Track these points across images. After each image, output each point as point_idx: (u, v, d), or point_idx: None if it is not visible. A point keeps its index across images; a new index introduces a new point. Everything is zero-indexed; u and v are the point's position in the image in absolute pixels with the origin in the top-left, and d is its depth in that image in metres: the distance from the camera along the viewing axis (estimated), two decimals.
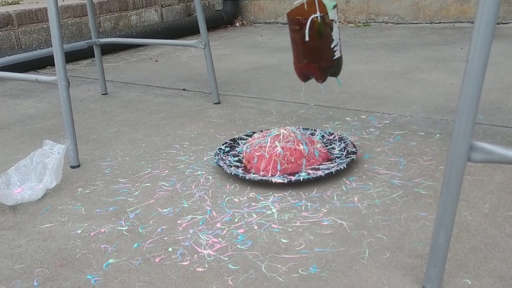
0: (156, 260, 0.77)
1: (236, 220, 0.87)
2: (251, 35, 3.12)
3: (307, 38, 0.93)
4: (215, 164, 1.10)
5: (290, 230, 0.83)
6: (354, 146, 1.10)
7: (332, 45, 0.96)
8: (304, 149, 1.03)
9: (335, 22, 0.95)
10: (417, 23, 3.06)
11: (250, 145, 1.08)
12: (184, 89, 1.83)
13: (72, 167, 1.15)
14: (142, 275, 0.73)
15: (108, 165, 1.15)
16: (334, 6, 0.94)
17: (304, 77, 1.03)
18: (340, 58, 1.00)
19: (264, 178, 0.99)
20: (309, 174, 0.99)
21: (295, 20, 0.95)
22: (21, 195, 0.98)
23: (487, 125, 1.25)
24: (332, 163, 1.04)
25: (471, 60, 0.56)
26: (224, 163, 1.07)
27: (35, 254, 0.81)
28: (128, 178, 1.08)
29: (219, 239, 0.82)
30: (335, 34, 0.96)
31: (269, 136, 1.06)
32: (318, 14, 0.92)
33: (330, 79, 1.04)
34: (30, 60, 1.99)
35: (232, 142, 1.19)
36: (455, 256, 0.73)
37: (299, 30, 0.94)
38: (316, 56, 0.97)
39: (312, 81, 1.05)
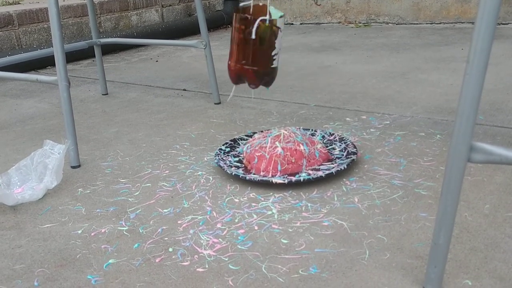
0: (157, 261, 0.77)
1: (236, 220, 0.87)
2: None
3: (253, 36, 0.90)
4: (216, 165, 1.10)
5: (290, 230, 0.83)
6: (355, 147, 1.10)
7: (273, 53, 0.94)
8: (304, 149, 1.03)
9: (280, 31, 0.93)
10: (417, 24, 3.06)
11: (251, 145, 1.08)
12: (184, 89, 1.83)
13: (73, 167, 1.15)
14: (143, 275, 0.73)
15: (108, 165, 1.15)
16: (281, 16, 0.93)
17: (237, 79, 0.98)
18: (275, 69, 0.97)
19: (264, 178, 0.99)
20: (309, 174, 0.99)
21: (243, 18, 0.91)
22: (21, 195, 0.99)
23: (487, 126, 1.25)
24: (332, 164, 1.04)
25: (471, 60, 0.56)
26: (225, 163, 1.07)
27: (35, 254, 0.81)
28: (129, 178, 1.08)
29: (220, 239, 0.82)
30: (278, 43, 0.93)
31: (269, 136, 1.06)
32: (267, 17, 0.91)
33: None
34: (31, 60, 1.99)
35: (232, 143, 1.19)
36: (455, 257, 0.73)
37: (244, 30, 0.91)
38: (255, 60, 0.93)
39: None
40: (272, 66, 0.96)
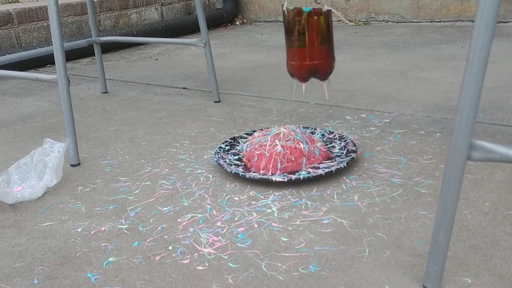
0: (156, 259, 0.77)
1: (236, 218, 0.87)
2: (252, 33, 3.12)
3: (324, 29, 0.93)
4: (215, 163, 1.10)
5: (290, 228, 0.83)
6: (354, 145, 1.10)
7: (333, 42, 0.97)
8: (304, 147, 1.03)
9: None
10: (417, 22, 3.06)
11: (250, 143, 1.08)
12: (184, 88, 1.83)
13: (73, 165, 1.15)
14: (142, 274, 0.73)
15: (108, 164, 1.15)
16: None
17: (308, 77, 1.00)
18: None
19: (264, 176, 0.99)
20: (309, 172, 0.99)
21: (312, 12, 0.92)
22: (21, 194, 0.99)
23: (487, 124, 1.25)
24: (332, 162, 1.04)
25: (471, 58, 0.56)
26: (224, 161, 1.07)
27: (35, 252, 0.81)
28: (128, 176, 1.08)
29: (219, 237, 0.82)
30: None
31: (269, 134, 1.06)
32: (325, 7, 0.93)
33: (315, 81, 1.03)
34: (30, 59, 1.99)
35: (232, 141, 1.19)
36: (455, 255, 0.73)
37: (308, 25, 0.93)
38: (327, 52, 0.97)
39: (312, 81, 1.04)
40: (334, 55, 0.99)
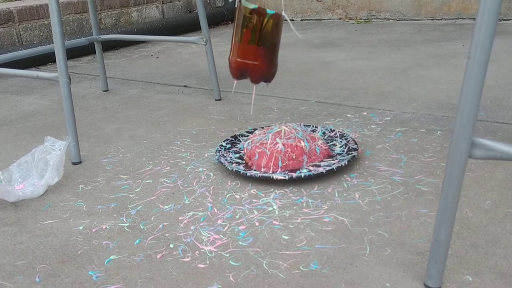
0: (158, 257, 0.77)
1: (237, 216, 0.88)
2: None
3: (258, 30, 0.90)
4: (216, 161, 1.10)
5: (291, 226, 0.83)
6: (355, 143, 1.10)
7: (277, 48, 0.96)
8: (305, 146, 1.03)
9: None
10: (418, 20, 3.05)
11: (251, 141, 1.08)
12: (185, 86, 1.83)
13: (74, 163, 1.15)
14: (144, 271, 0.73)
15: (109, 162, 1.16)
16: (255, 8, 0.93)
17: (240, 75, 0.96)
18: (277, 65, 0.99)
19: (265, 174, 0.99)
20: (310, 170, 0.99)
21: (248, 13, 0.90)
22: (22, 192, 0.99)
23: (488, 122, 1.25)
24: (333, 160, 1.04)
25: (472, 56, 0.56)
26: (225, 159, 1.07)
27: (37, 250, 0.81)
28: (130, 174, 1.08)
29: (220, 235, 0.82)
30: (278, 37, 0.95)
31: (270, 133, 1.06)
32: (273, 11, 0.91)
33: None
34: (32, 57, 1.99)
35: (233, 139, 1.19)
36: (456, 253, 0.73)
37: (248, 25, 0.90)
38: (258, 55, 0.93)
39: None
40: (275, 62, 0.96)
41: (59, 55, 1.13)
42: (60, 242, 0.83)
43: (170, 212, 0.91)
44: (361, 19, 3.24)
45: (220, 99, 1.61)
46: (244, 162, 1.07)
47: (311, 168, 1.01)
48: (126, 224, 0.87)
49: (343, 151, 1.08)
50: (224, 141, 1.17)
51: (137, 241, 0.82)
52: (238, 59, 0.94)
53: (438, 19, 2.99)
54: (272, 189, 0.97)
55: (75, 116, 1.17)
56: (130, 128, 1.39)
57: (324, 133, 1.19)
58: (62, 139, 1.06)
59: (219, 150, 1.12)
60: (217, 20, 3.45)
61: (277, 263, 0.73)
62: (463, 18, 2.92)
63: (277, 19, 0.92)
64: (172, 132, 1.33)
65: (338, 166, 1.00)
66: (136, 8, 3.06)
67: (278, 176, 0.97)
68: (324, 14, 3.39)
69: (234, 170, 1.01)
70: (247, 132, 1.22)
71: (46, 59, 2.37)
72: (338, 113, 1.40)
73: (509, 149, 0.57)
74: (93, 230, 0.86)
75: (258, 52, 0.92)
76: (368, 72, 1.85)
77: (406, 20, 3.09)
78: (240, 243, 0.79)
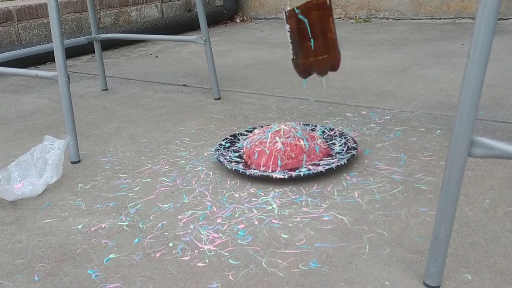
0: (157, 255, 0.77)
1: (236, 215, 0.87)
2: (252, 31, 3.11)
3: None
4: (216, 160, 1.10)
5: (290, 225, 0.83)
6: (355, 142, 1.10)
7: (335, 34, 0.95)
8: (304, 144, 1.03)
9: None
10: (418, 19, 3.05)
11: (251, 140, 1.08)
12: (184, 85, 1.83)
13: (73, 162, 1.15)
14: (143, 270, 0.73)
15: (108, 161, 1.15)
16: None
17: (307, 73, 0.98)
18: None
19: (264, 173, 0.99)
20: (309, 169, 0.99)
21: (317, 5, 0.89)
22: (21, 191, 0.99)
23: (487, 121, 1.25)
24: (332, 159, 1.04)
25: (472, 55, 0.56)
26: (225, 158, 1.07)
27: (35, 249, 0.81)
28: (129, 173, 1.08)
29: (220, 234, 0.82)
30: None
31: (269, 131, 1.06)
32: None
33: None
34: (30, 56, 1.99)
35: (232, 138, 1.19)
36: (455, 252, 0.73)
37: (321, 14, 0.90)
38: (325, 48, 0.93)
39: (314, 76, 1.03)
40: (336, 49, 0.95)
41: (58, 54, 1.12)
42: (59, 241, 0.83)
43: (169, 211, 0.91)
44: (360, 18, 3.24)
45: (219, 98, 1.61)
46: (243, 161, 1.07)
47: (310, 167, 1.01)
48: (125, 223, 0.87)
49: (343, 150, 1.08)
50: (223, 140, 1.17)
51: (136, 240, 0.82)
52: (302, 60, 0.93)
53: (437, 19, 2.99)
54: (271, 188, 0.97)
55: (74, 115, 1.17)
56: (129, 127, 1.39)
57: (323, 132, 1.19)
58: (61, 138, 1.06)
59: (219, 149, 1.12)
60: (216, 19, 3.45)
61: (276, 262, 0.73)
62: (463, 17, 2.92)
63: (310, 12, 0.90)
64: (171, 131, 1.33)
65: (338, 165, 1.00)
66: (135, 7, 3.05)
67: (278, 175, 0.97)
68: None
69: (233, 169, 1.01)
70: (246, 131, 1.22)
71: (45, 58, 2.37)
72: (337, 112, 1.40)
73: (509, 148, 0.57)
74: (92, 229, 0.86)
75: (310, 49, 0.92)
76: (368, 71, 1.85)
77: (406, 19, 3.09)
78: (240, 241, 0.79)
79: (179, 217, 0.88)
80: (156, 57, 2.43)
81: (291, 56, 0.96)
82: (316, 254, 0.75)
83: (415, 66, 1.89)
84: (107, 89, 1.83)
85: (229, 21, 3.56)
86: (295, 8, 0.90)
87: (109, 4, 2.89)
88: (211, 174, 1.05)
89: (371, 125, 1.28)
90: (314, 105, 1.47)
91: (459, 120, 0.58)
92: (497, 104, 1.37)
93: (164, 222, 0.87)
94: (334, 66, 0.97)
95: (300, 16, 0.90)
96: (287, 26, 0.93)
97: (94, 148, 1.24)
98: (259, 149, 1.03)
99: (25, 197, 0.98)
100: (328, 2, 0.91)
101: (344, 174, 1.01)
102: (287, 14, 0.92)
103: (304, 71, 0.96)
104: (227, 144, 1.15)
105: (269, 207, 0.89)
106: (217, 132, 1.29)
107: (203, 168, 1.08)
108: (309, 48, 0.92)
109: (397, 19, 3.12)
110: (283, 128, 1.05)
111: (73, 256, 0.78)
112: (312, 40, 0.92)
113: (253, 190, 0.97)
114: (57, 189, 1.02)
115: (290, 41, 0.94)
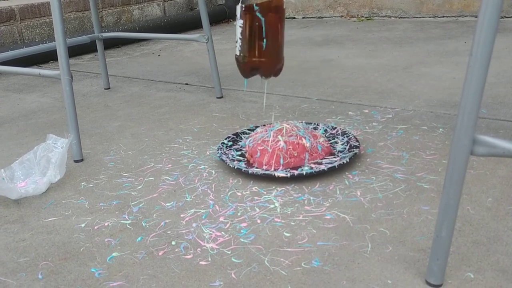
0: (160, 254, 0.77)
1: (239, 214, 0.88)
2: None
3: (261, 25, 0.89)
4: (218, 158, 1.10)
5: (293, 224, 0.83)
6: (357, 141, 1.10)
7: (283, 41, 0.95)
8: (307, 143, 1.03)
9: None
10: (420, 17, 3.05)
11: (253, 139, 1.08)
12: (186, 84, 1.83)
13: (76, 161, 1.15)
14: (146, 268, 0.74)
15: (111, 159, 1.16)
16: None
17: (250, 73, 0.98)
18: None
19: (267, 172, 0.99)
20: (312, 168, 1.00)
21: (276, 7, 0.89)
22: (25, 189, 0.99)
23: (490, 119, 1.25)
24: (335, 157, 1.04)
25: (474, 54, 0.56)
26: (227, 157, 1.07)
27: (39, 248, 0.81)
28: (131, 172, 1.08)
29: (222, 232, 0.82)
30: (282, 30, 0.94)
31: (271, 130, 1.06)
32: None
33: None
34: (33, 55, 1.99)
35: (235, 137, 1.19)
36: (457, 250, 0.73)
37: (278, 17, 0.89)
38: (270, 51, 0.93)
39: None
40: (282, 54, 0.95)
41: (61, 53, 1.13)
42: (63, 239, 0.83)
43: (172, 209, 0.91)
44: (362, 16, 3.24)
45: (221, 97, 1.61)
46: (245, 159, 1.07)
47: (312, 165, 1.01)
48: (128, 222, 0.88)
49: (345, 148, 1.08)
50: (225, 139, 1.17)
51: (139, 238, 0.82)
52: (246, 59, 0.94)
53: (440, 17, 2.99)
54: (273, 187, 0.97)
55: (77, 114, 1.17)
56: (131, 125, 1.39)
57: (325, 130, 1.19)
58: (64, 137, 1.07)
59: (221, 148, 1.12)
60: (218, 17, 3.45)
61: (278, 260, 0.73)
62: (465, 16, 2.91)
63: (269, 13, 0.90)
64: (173, 129, 1.33)
65: (340, 164, 1.00)
66: (137, 6, 3.06)
67: (280, 173, 0.98)
68: (325, 11, 3.39)
69: (235, 167, 1.01)
70: (248, 129, 1.22)
71: (47, 57, 2.37)
72: (339, 110, 1.40)
73: (511, 146, 0.57)
74: (95, 228, 0.86)
75: (261, 49, 0.92)
76: (370, 70, 1.85)
77: (408, 17, 3.09)
78: (242, 240, 0.79)
79: (181, 215, 0.88)
80: (159, 55, 2.44)
81: (236, 53, 0.95)
82: (318, 252, 0.75)
83: (418, 64, 1.88)
84: (109, 88, 1.83)
85: (231, 20, 3.56)
86: (254, 5, 0.89)
87: (111, 3, 2.89)
88: (213, 172, 1.05)
89: (373, 123, 1.28)
90: (316, 104, 1.47)
91: (462, 119, 0.58)
92: (500, 102, 1.37)
93: (167, 221, 0.87)
94: (278, 71, 0.98)
95: (258, 14, 0.89)
96: (240, 21, 0.92)
97: (97, 146, 1.25)
98: (261, 147, 1.03)
99: (28, 196, 0.99)
100: (283, 7, 0.91)
101: (347, 173, 1.01)
102: (243, 9, 0.91)
103: (249, 70, 0.96)
104: (230, 143, 1.15)
105: (272, 206, 0.90)
106: (220, 131, 1.30)
107: (206, 166, 1.08)
108: (260, 48, 0.92)
109: (399, 17, 3.11)
110: (286, 127, 1.05)
111: (76, 254, 0.79)
112: (265, 40, 0.91)
113: (255, 188, 0.97)
114: (60, 187, 1.03)
115: (240, 37, 0.93)
